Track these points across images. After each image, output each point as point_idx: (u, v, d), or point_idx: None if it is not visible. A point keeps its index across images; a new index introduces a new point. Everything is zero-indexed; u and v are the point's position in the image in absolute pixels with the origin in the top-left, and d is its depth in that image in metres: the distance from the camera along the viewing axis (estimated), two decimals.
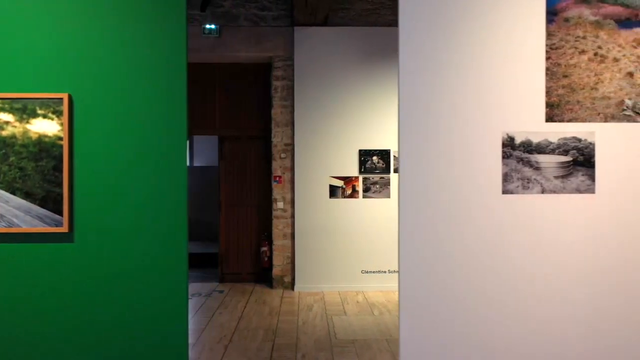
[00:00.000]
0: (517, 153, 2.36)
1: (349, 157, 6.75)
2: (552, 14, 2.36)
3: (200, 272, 7.94)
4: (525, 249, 2.36)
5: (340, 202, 6.75)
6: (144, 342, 2.39)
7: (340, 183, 6.76)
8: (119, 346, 2.38)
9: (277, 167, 6.93)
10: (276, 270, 6.91)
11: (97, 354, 2.37)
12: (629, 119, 2.37)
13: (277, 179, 6.91)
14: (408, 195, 2.35)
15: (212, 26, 6.73)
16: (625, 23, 2.37)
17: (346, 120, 6.75)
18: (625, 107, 2.37)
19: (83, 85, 2.37)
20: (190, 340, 4.79)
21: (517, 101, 2.36)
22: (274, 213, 6.93)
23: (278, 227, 6.92)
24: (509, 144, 2.36)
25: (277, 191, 6.93)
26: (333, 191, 6.77)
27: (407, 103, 2.35)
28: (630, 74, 2.37)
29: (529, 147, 2.36)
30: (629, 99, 2.37)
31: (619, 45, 2.37)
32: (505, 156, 2.36)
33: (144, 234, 2.40)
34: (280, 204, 6.91)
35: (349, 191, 6.77)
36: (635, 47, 2.37)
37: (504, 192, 2.36)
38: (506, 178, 2.36)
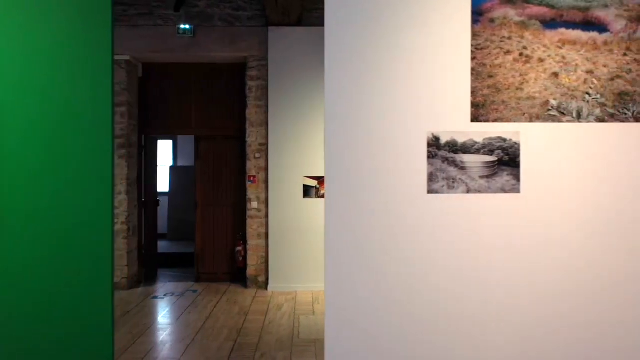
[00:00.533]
0: (442, 153, 2.37)
1: (323, 157, 6.74)
2: (477, 14, 2.38)
3: (180, 271, 7.95)
4: (451, 248, 2.37)
5: (314, 201, 6.75)
6: (67, 331, 2.37)
7: (314, 183, 6.77)
8: (42, 335, 2.36)
9: (251, 167, 6.93)
10: (250, 270, 6.91)
11: (20, 342, 2.35)
12: (553, 119, 2.38)
13: (252, 178, 6.91)
14: (334, 195, 2.36)
15: (187, 26, 6.73)
16: (550, 24, 2.38)
17: (320, 120, 6.75)
18: (550, 108, 2.38)
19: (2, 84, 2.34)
20: (154, 339, 4.80)
21: (443, 101, 2.37)
22: (248, 213, 6.94)
23: (252, 227, 6.92)
24: (434, 144, 2.37)
25: (252, 191, 6.93)
26: (307, 191, 6.78)
27: (333, 103, 2.36)
28: (556, 75, 2.38)
29: (455, 147, 2.37)
30: (554, 99, 2.38)
31: (544, 46, 2.38)
32: (431, 156, 2.37)
33: (67, 231, 2.39)
34: (254, 204, 6.92)
35: (322, 191, 6.77)
36: (560, 48, 2.38)
37: (429, 191, 2.37)
38: (431, 178, 2.37)
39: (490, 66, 2.37)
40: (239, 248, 7.08)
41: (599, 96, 2.38)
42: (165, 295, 6.53)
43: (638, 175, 2.38)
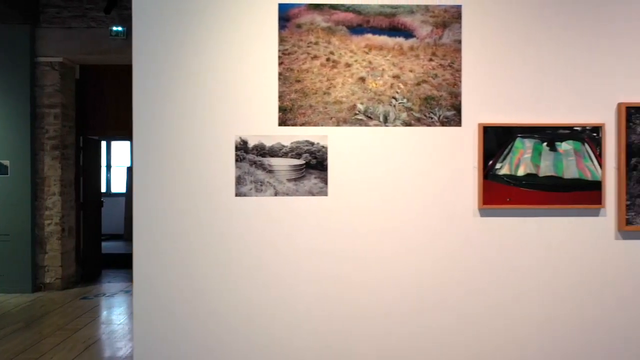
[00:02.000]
0: (250, 156, 2.41)
1: None
2: (284, 19, 2.41)
3: (130, 272, 7.97)
4: (259, 250, 2.40)
5: None
6: None
7: None
8: None
9: None
10: None
11: None
12: (360, 123, 2.42)
13: None
14: (143, 197, 2.39)
15: (119, 28, 6.76)
16: (356, 29, 2.42)
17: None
18: (357, 112, 2.42)
19: None
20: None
21: (251, 105, 2.40)
22: None
23: None
24: (242, 148, 2.41)
25: None
26: None
27: (141, 107, 2.39)
28: (362, 79, 2.42)
29: (262, 151, 2.41)
30: (361, 103, 2.42)
31: (351, 51, 2.42)
32: (239, 159, 2.41)
33: None
34: None
35: None
36: (367, 53, 2.42)
37: (237, 194, 2.40)
38: (239, 181, 2.41)
39: (298, 71, 2.41)
40: None
41: (405, 100, 2.42)
42: (96, 296, 6.56)
43: (443, 176, 2.42)
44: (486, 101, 2.42)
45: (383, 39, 2.42)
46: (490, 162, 2.41)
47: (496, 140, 2.41)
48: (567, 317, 2.45)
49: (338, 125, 2.41)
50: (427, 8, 2.42)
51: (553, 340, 2.45)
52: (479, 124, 2.40)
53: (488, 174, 2.41)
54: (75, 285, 7.14)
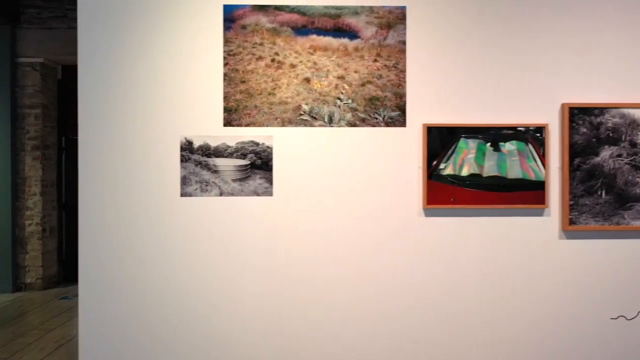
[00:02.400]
0: (195, 157, 2.42)
1: None
2: (229, 21, 2.43)
3: None
4: (204, 250, 2.42)
5: None
6: None
7: None
8: None
9: None
10: None
11: None
12: (305, 123, 2.43)
13: None
14: (88, 197, 2.40)
15: None
16: (301, 30, 2.44)
17: None
18: (302, 112, 2.43)
19: None
20: None
21: (196, 106, 2.42)
22: None
23: None
24: (187, 148, 2.42)
25: None
26: None
27: (87, 108, 2.40)
28: (307, 80, 2.43)
29: (208, 151, 2.42)
30: (306, 104, 2.43)
31: (296, 52, 2.43)
32: (184, 160, 2.42)
33: None
34: None
35: None
36: (311, 54, 2.43)
37: (182, 194, 2.42)
38: (185, 181, 2.42)
39: (243, 72, 2.42)
40: None
41: (350, 101, 2.43)
42: (75, 296, 6.57)
43: (388, 176, 2.43)
44: (431, 102, 2.44)
45: (328, 40, 2.43)
46: (435, 163, 2.42)
47: (440, 140, 2.42)
48: (511, 317, 2.46)
49: (283, 125, 2.43)
50: (371, 9, 2.44)
51: (499, 340, 2.46)
52: (424, 125, 2.42)
53: (432, 174, 2.42)
54: (57, 285, 7.14)
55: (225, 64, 2.42)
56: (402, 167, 2.43)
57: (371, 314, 2.44)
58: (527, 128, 2.43)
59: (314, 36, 2.44)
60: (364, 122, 2.43)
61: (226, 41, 2.42)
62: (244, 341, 2.42)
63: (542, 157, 2.43)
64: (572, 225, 2.43)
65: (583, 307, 2.47)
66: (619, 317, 2.46)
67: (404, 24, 2.44)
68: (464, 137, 2.43)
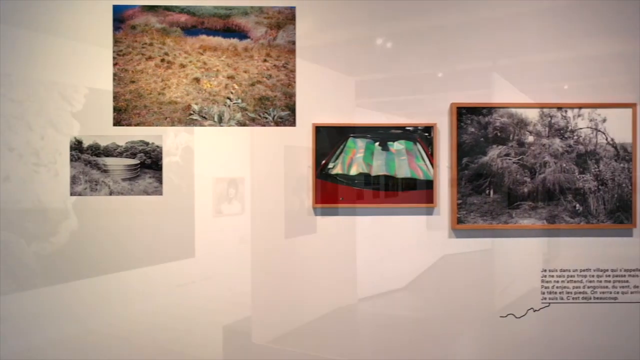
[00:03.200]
0: (85, 156, 2.43)
1: None
2: (119, 21, 2.44)
3: None
4: (93, 249, 2.42)
5: None
6: None
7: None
8: None
9: None
10: None
11: None
12: (195, 122, 2.45)
13: None
14: None
15: None
16: (191, 30, 2.45)
17: None
18: (192, 112, 2.45)
19: None
20: None
21: (85, 105, 2.42)
22: None
23: None
24: (77, 147, 2.43)
25: None
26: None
27: None
28: (197, 80, 2.45)
29: (97, 151, 2.43)
30: (196, 104, 2.45)
31: (186, 52, 2.45)
32: (74, 159, 2.43)
33: None
34: None
35: None
36: (201, 54, 2.45)
37: (72, 194, 2.42)
38: (74, 180, 2.43)
39: (133, 72, 2.44)
40: None
41: (240, 101, 2.44)
42: None
43: (279, 176, 2.44)
44: (320, 101, 2.45)
45: (217, 40, 2.45)
46: (323, 162, 2.44)
47: (329, 140, 2.44)
48: (403, 318, 2.48)
49: (173, 125, 2.44)
50: (261, 9, 2.45)
51: (389, 340, 2.48)
52: (313, 124, 2.43)
53: (321, 174, 2.44)
54: None
55: (115, 64, 2.43)
56: (293, 166, 2.45)
57: (255, 309, 2.45)
58: (415, 128, 2.45)
59: (204, 36, 2.45)
60: (253, 121, 2.45)
61: (116, 41, 2.43)
62: (135, 340, 2.43)
63: (431, 156, 2.45)
64: (460, 224, 2.44)
65: (474, 305, 2.48)
66: (508, 315, 2.48)
67: (294, 24, 2.45)
68: (353, 136, 2.44)
